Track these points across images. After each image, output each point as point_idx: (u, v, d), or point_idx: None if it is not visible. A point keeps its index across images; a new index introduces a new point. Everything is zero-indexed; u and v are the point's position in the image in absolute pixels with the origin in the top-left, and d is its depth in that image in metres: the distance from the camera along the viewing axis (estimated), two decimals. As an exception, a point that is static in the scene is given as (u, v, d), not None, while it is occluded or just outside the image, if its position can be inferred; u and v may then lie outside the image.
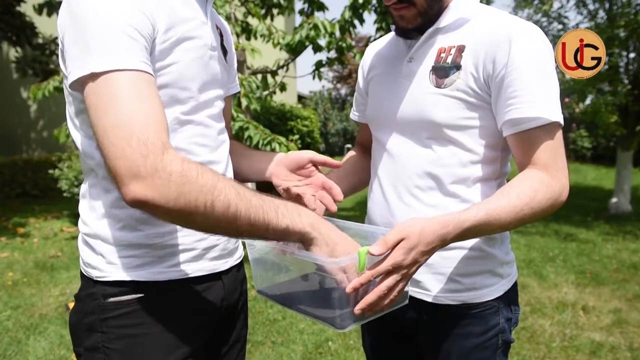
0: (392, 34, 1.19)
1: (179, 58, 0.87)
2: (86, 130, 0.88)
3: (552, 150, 0.96)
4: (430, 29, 1.04)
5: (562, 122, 0.96)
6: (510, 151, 1.06)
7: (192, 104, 0.92)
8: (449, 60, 1.01)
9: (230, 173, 1.05)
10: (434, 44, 1.05)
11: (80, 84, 0.76)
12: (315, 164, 1.13)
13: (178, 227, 0.93)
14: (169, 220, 0.77)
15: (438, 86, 1.02)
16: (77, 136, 0.91)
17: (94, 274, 0.91)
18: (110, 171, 0.72)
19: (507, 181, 1.00)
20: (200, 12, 0.95)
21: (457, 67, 1.00)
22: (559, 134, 0.97)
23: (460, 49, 1.01)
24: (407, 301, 0.95)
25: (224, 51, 1.08)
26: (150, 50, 0.82)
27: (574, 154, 13.48)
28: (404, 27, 1.05)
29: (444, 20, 1.03)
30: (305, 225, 0.84)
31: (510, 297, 1.09)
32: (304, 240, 0.85)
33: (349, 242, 0.88)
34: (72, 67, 0.76)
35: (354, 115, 1.33)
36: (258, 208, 0.78)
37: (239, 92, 4.07)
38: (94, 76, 0.74)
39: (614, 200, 7.06)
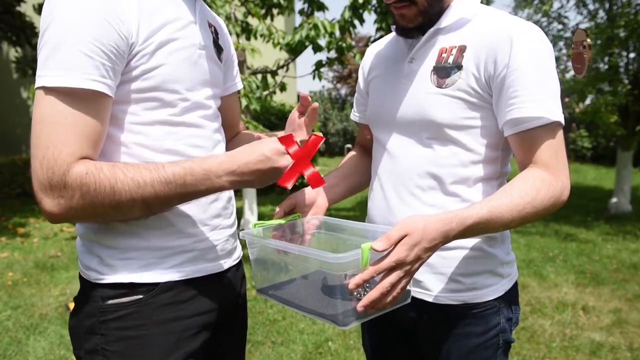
0: (392, 34, 1.19)
1: (164, 60, 0.88)
2: None
3: (554, 149, 0.96)
4: (432, 29, 1.04)
5: (563, 121, 0.96)
6: (510, 151, 1.06)
7: (183, 105, 0.92)
8: (450, 60, 1.02)
9: None
10: (435, 44, 1.05)
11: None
12: (301, 112, 1.14)
13: (176, 229, 0.93)
14: (91, 223, 0.91)
15: (439, 86, 1.02)
16: None
17: (92, 276, 0.91)
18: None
19: (508, 181, 1.00)
20: (187, 12, 0.94)
21: (459, 67, 1.00)
22: (560, 134, 0.97)
23: (462, 49, 1.01)
24: (409, 300, 0.95)
25: (219, 49, 1.07)
26: (128, 58, 0.84)
27: (574, 154, 13.49)
28: (405, 26, 1.05)
29: (445, 20, 1.03)
30: (218, 184, 0.85)
31: (511, 297, 1.09)
32: (228, 189, 0.89)
33: (256, 152, 0.85)
34: (36, 76, 0.80)
35: (354, 116, 1.33)
36: (165, 189, 0.83)
37: (240, 92, 4.07)
38: (42, 89, 0.78)
39: (614, 200, 7.06)
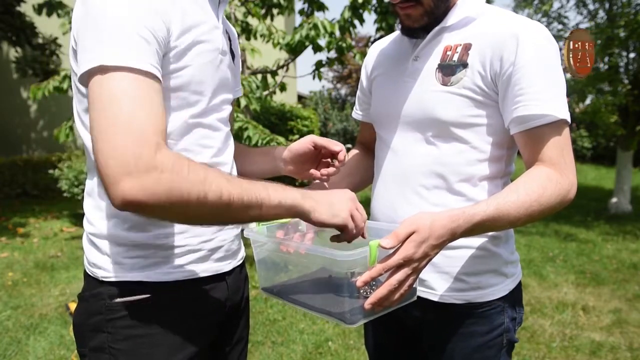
0: (395, 33, 1.20)
1: (192, 61, 0.87)
2: None
3: (560, 147, 0.96)
4: (437, 28, 1.04)
5: (569, 119, 0.97)
6: (515, 150, 1.06)
7: (203, 106, 0.92)
8: (456, 58, 1.01)
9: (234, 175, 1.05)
10: (440, 42, 1.05)
11: (88, 77, 0.74)
12: (317, 147, 1.13)
13: (184, 227, 0.93)
14: (164, 217, 0.76)
15: (444, 84, 1.02)
16: (85, 133, 0.91)
17: (99, 274, 0.91)
18: (100, 170, 0.70)
19: (512, 181, 1.00)
20: (212, 16, 0.95)
21: (464, 65, 1.00)
22: (566, 132, 0.97)
23: (467, 47, 1.01)
24: (415, 297, 0.96)
25: (233, 56, 1.08)
26: (164, 53, 0.82)
27: (574, 154, 13.50)
28: (410, 26, 1.05)
29: (450, 19, 1.03)
30: (296, 196, 0.84)
31: (514, 297, 1.09)
32: (301, 212, 0.85)
33: (344, 196, 0.91)
34: (83, 60, 0.75)
35: (357, 114, 1.33)
36: (249, 190, 0.79)
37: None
38: (102, 69, 0.73)
39: (614, 200, 7.07)
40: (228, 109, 1.02)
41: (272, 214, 0.82)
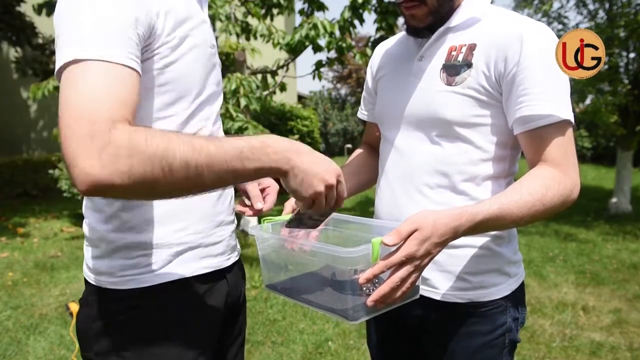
0: (401, 33, 1.20)
1: (184, 55, 0.88)
2: None
3: (563, 147, 0.96)
4: (441, 28, 1.04)
5: (572, 120, 0.97)
6: (519, 150, 1.06)
7: (197, 100, 0.93)
8: (460, 58, 1.02)
9: None
10: (445, 42, 1.05)
11: (61, 72, 0.73)
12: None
13: (183, 226, 0.93)
14: (132, 196, 0.75)
15: (449, 84, 1.02)
16: None
17: (101, 279, 0.91)
18: (63, 155, 0.68)
19: (515, 180, 1.00)
20: (200, 11, 0.95)
21: (468, 65, 1.00)
22: (570, 132, 0.98)
23: (472, 48, 1.01)
24: (418, 295, 0.96)
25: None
26: (150, 47, 0.82)
27: (573, 154, 13.51)
28: (415, 26, 1.05)
29: (455, 19, 1.04)
30: (275, 160, 0.77)
31: (517, 297, 1.10)
32: (279, 174, 0.80)
33: (326, 166, 0.82)
34: (58, 56, 0.74)
35: (362, 114, 1.33)
36: (220, 158, 0.73)
37: (239, 92, 4.07)
38: (74, 62, 0.72)
39: (614, 200, 7.07)
40: (220, 100, 1.03)
41: (249, 179, 0.80)
